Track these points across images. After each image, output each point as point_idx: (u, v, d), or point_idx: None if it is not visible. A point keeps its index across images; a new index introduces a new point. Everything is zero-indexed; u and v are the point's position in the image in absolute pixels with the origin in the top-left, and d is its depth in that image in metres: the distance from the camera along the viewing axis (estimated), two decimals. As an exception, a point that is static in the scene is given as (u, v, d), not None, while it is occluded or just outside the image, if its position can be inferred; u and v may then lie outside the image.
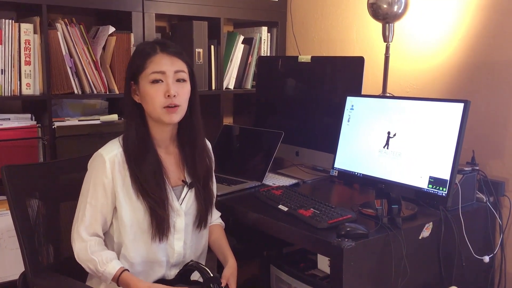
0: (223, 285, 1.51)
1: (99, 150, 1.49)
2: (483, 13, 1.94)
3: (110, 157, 1.46)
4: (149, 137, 1.51)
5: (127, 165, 1.47)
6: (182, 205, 1.55)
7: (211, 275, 1.47)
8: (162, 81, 1.46)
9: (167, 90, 1.45)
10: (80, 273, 1.61)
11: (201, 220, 1.59)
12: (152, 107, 1.46)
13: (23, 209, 1.57)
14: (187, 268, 1.54)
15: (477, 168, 1.85)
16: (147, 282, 1.47)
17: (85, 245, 1.46)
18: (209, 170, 1.64)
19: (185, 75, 1.50)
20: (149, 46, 1.50)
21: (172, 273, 1.56)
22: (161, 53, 1.48)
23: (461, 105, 1.51)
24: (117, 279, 1.42)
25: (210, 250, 1.69)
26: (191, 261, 1.55)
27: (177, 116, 1.48)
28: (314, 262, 1.90)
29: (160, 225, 1.48)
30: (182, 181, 1.57)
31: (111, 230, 1.52)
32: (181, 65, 1.50)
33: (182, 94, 1.48)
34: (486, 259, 1.79)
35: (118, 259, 1.48)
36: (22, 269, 1.56)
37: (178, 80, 1.48)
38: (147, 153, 1.49)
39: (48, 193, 1.67)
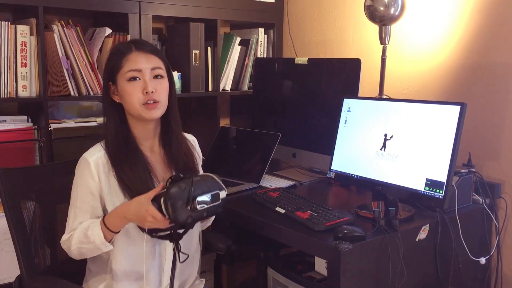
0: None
1: (84, 154, 1.49)
2: (479, 15, 1.95)
3: (94, 159, 1.46)
4: (130, 137, 1.51)
5: (112, 166, 1.47)
6: None
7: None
8: (139, 79, 1.46)
9: (144, 87, 1.45)
10: (77, 276, 1.61)
11: None
12: (131, 105, 1.47)
13: (18, 212, 1.56)
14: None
15: (474, 170, 1.86)
16: (130, 201, 1.41)
17: (72, 234, 1.45)
18: (194, 165, 1.62)
19: (162, 72, 1.50)
20: (124, 45, 1.51)
21: (165, 279, 1.55)
22: (136, 51, 1.48)
23: (458, 107, 1.52)
24: (105, 226, 1.40)
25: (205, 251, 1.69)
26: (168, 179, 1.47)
27: (158, 111, 1.49)
28: (311, 264, 1.90)
29: None
30: (170, 178, 1.56)
31: None
32: (157, 62, 1.50)
33: (161, 90, 1.48)
34: (483, 260, 1.80)
35: (110, 265, 1.49)
36: (19, 271, 1.55)
37: (156, 77, 1.48)
38: (131, 152, 1.49)
39: (44, 195, 1.67)
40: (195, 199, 1.34)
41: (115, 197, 1.47)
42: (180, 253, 1.47)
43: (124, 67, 1.46)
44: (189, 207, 1.33)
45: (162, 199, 1.32)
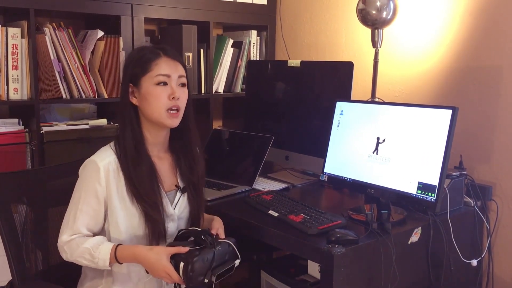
0: (213, 233, 1.52)
1: (92, 157, 1.48)
2: (471, 19, 1.96)
3: (104, 164, 1.46)
4: (143, 141, 1.52)
5: (122, 168, 1.47)
6: (175, 210, 1.56)
7: (199, 229, 1.49)
8: (167, 84, 1.48)
9: (172, 92, 1.47)
10: (70, 280, 1.60)
11: (192, 224, 1.59)
12: (155, 108, 1.47)
13: (9, 216, 1.55)
14: (180, 235, 1.52)
15: (465, 172, 1.87)
16: (146, 246, 1.44)
17: (74, 242, 1.44)
18: (202, 174, 1.64)
19: (185, 80, 1.54)
20: (150, 50, 1.52)
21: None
22: (165, 57, 1.50)
23: (449, 111, 1.52)
24: (114, 256, 1.41)
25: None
26: (181, 230, 1.53)
27: (178, 120, 1.51)
28: (304, 268, 1.90)
29: (154, 229, 1.48)
30: (176, 186, 1.57)
31: (107, 237, 1.50)
32: (182, 70, 1.53)
33: (183, 98, 1.52)
34: (474, 262, 1.81)
35: (107, 270, 1.48)
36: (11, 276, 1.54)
37: (180, 85, 1.51)
38: (141, 156, 1.49)
39: (36, 199, 1.66)
40: (214, 274, 1.39)
41: (122, 203, 1.47)
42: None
43: (153, 71, 1.47)
44: (206, 280, 1.38)
45: (182, 265, 1.36)
